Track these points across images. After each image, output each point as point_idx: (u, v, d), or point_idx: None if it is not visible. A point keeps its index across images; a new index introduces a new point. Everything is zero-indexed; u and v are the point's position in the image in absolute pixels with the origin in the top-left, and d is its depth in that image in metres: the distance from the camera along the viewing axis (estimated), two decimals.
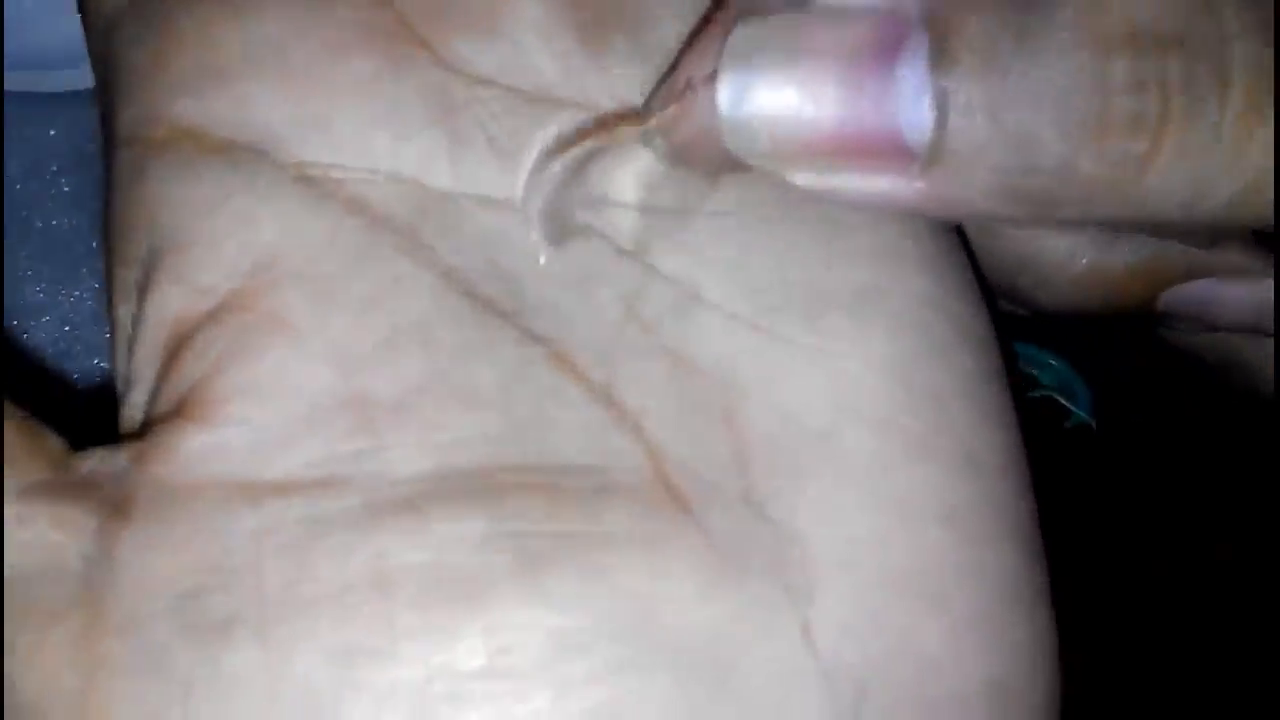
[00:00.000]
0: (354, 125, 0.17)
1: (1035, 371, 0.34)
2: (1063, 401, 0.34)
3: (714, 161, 0.16)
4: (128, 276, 0.17)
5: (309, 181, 0.17)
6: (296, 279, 0.16)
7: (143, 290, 0.16)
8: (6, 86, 0.34)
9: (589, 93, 0.17)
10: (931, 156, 0.14)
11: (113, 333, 0.17)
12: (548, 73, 0.17)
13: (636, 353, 0.16)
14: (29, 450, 0.16)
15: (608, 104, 0.17)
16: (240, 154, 0.17)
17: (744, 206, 0.17)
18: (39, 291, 0.44)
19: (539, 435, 0.16)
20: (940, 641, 0.15)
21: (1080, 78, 0.13)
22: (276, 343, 0.16)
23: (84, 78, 0.35)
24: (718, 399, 0.16)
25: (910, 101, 0.14)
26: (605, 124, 0.17)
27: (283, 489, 0.15)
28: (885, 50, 0.14)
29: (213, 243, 0.16)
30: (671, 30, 0.18)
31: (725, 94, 0.15)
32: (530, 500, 0.15)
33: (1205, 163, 0.14)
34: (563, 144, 0.17)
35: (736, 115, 0.15)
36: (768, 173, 0.15)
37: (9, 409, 0.16)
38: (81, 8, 0.19)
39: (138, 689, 0.14)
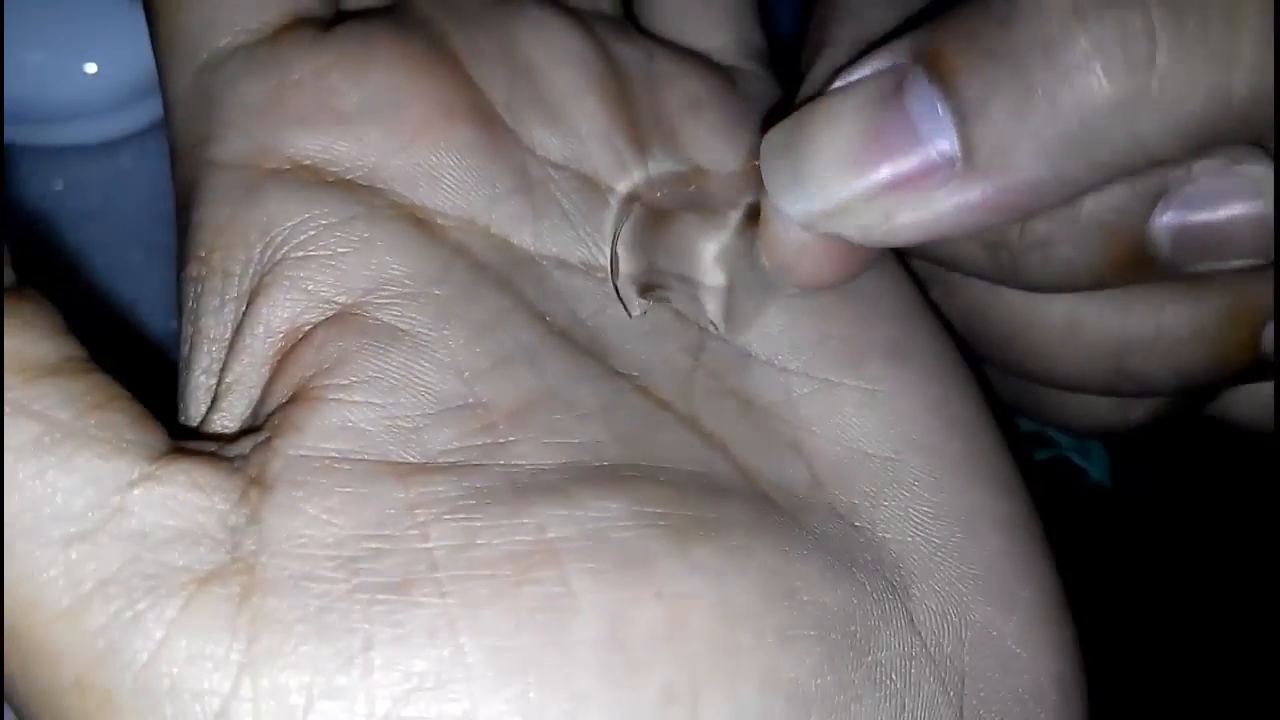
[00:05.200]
0: (459, 181, 0.19)
1: (1051, 432, 0.33)
2: (1078, 462, 0.33)
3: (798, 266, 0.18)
4: (227, 289, 0.17)
5: (418, 221, 0.18)
6: (415, 298, 0.17)
7: (252, 299, 0.17)
8: (13, 139, 0.34)
9: (634, 181, 0.20)
10: (965, 153, 0.15)
11: (191, 350, 0.18)
12: (604, 163, 0.20)
13: (709, 393, 0.19)
14: (149, 425, 0.15)
15: (648, 192, 0.20)
16: (356, 189, 0.18)
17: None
18: None
19: (643, 446, 0.17)
20: (1016, 636, 0.17)
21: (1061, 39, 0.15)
22: (400, 347, 0.17)
23: (89, 132, 0.35)
24: (785, 432, 0.18)
25: (926, 120, 0.16)
26: (690, 178, 0.20)
27: (426, 469, 0.15)
28: (889, 96, 0.16)
29: (334, 258, 0.17)
30: (696, 140, 0.21)
31: (787, 212, 0.17)
32: (660, 490, 0.16)
33: (1205, 66, 0.14)
34: (637, 197, 0.20)
35: (804, 218, 0.17)
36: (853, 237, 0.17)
37: (122, 388, 0.15)
38: (163, 45, 0.20)
39: (310, 648, 0.14)
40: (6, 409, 0.14)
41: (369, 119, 0.19)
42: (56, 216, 0.35)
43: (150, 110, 0.34)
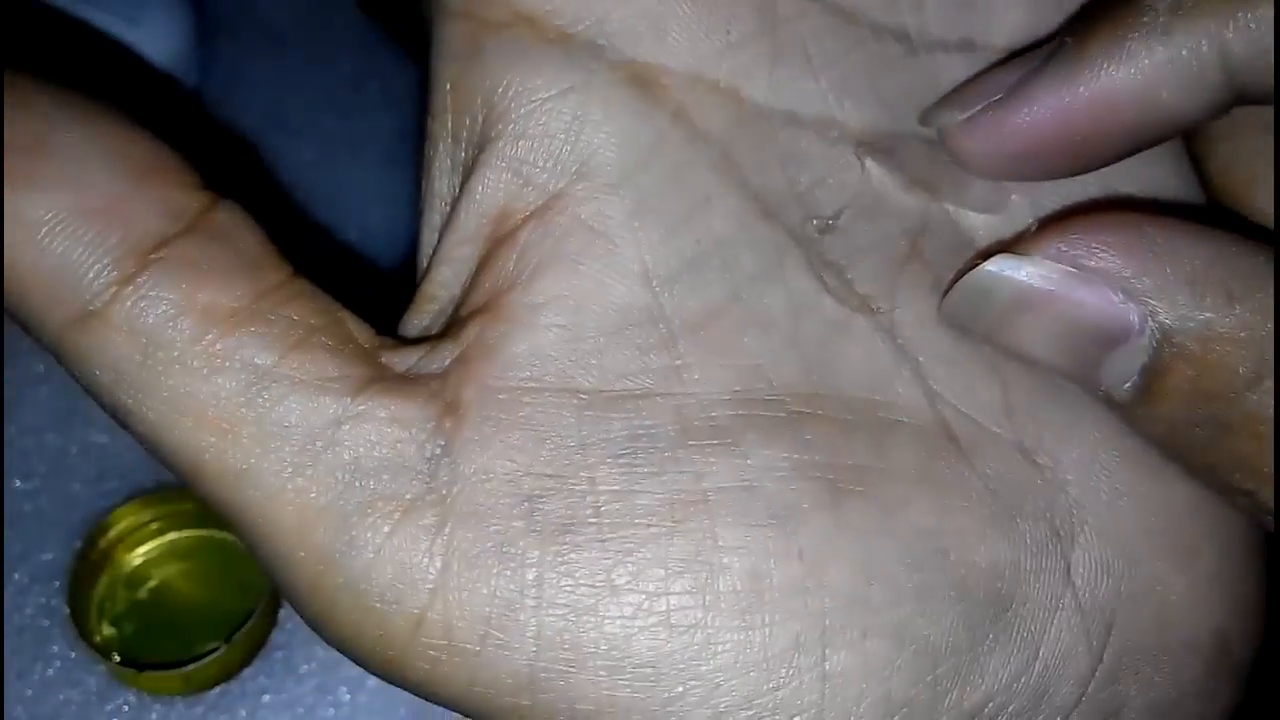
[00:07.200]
0: (686, 29, 0.18)
1: None
2: None
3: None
4: (455, 153, 0.18)
5: (639, 83, 0.17)
6: (617, 189, 0.17)
7: (470, 170, 0.17)
8: None
9: (902, 19, 0.18)
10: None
11: (425, 204, 0.18)
12: None
13: (918, 290, 0.18)
14: (348, 343, 0.16)
15: (916, 32, 0.18)
16: (577, 48, 0.17)
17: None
18: (39, 362, 0.42)
19: (826, 365, 0.17)
20: (1183, 592, 0.17)
21: None
22: (594, 253, 0.17)
23: None
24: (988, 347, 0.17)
25: (1113, 372, 0.16)
26: None
27: (601, 401, 0.16)
28: (1107, 338, 0.16)
29: (547, 138, 0.17)
30: None
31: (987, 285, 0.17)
32: (827, 433, 0.16)
33: None
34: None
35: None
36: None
37: (328, 301, 0.17)
38: None
39: (491, 578, 0.15)
40: (220, 362, 0.15)
41: None
42: None
43: None
